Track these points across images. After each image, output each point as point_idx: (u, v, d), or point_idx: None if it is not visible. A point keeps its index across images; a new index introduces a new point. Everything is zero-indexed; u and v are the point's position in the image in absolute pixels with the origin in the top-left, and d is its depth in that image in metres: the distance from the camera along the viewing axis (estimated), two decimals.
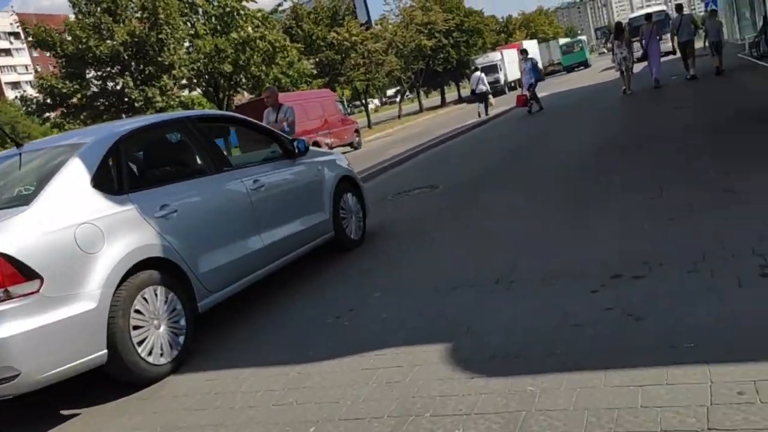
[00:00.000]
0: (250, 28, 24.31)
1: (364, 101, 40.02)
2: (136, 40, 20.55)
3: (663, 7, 48.03)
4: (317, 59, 33.47)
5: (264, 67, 25.04)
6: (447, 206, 7.61)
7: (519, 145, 12.14)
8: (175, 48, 21.18)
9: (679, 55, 18.35)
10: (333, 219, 6.07)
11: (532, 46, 58.22)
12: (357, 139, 27.29)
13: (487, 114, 23.97)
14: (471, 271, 4.73)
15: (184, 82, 22.75)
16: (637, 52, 20.54)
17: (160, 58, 20.83)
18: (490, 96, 25.68)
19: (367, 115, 39.42)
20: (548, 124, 15.22)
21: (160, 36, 20.75)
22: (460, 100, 49.89)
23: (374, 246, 6.35)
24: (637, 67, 20.40)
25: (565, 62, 62.00)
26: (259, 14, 24.65)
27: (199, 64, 22.11)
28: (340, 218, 6.19)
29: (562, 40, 70.21)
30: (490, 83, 26.45)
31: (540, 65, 59.19)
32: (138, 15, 21.69)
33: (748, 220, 4.43)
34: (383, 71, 38.71)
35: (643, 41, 17.98)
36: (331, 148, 24.96)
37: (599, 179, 7.07)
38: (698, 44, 18.28)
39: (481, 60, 45.44)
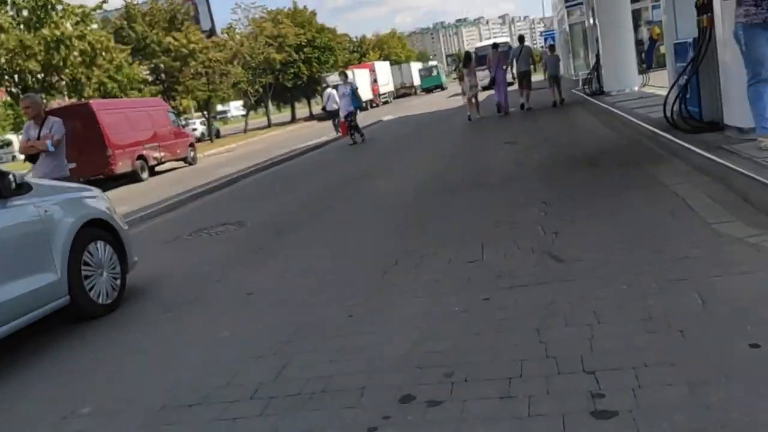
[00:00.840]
0: (68, 25, 21.54)
1: (206, 113, 37.62)
2: None
3: (507, 39, 50.36)
4: (152, 65, 30.85)
5: (84, 69, 22.37)
6: (241, 255, 6.26)
7: (341, 179, 11.00)
8: None
9: (516, 85, 18.84)
10: (69, 279, 4.52)
11: (384, 68, 58.82)
12: (192, 154, 25.19)
13: (337, 132, 23.91)
14: (227, 373, 3.41)
15: None
16: (483, 81, 20.72)
17: None
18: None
19: (209, 129, 37.10)
20: (379, 156, 14.23)
21: None
22: (311, 117, 48.83)
23: (127, 315, 4.85)
24: (483, 95, 20.69)
25: (424, 84, 65.96)
26: (79, 11, 21.87)
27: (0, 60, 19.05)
28: (81, 277, 4.64)
29: (418, 65, 72.37)
30: None
31: (391, 87, 60.27)
32: None
33: (574, 307, 3.50)
34: (227, 82, 36.73)
35: (491, 69, 18.34)
36: (160, 162, 22.82)
37: (412, 231, 6.06)
38: (536, 77, 19.00)
39: (333, 78, 44.75)
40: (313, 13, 51.07)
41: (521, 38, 19.77)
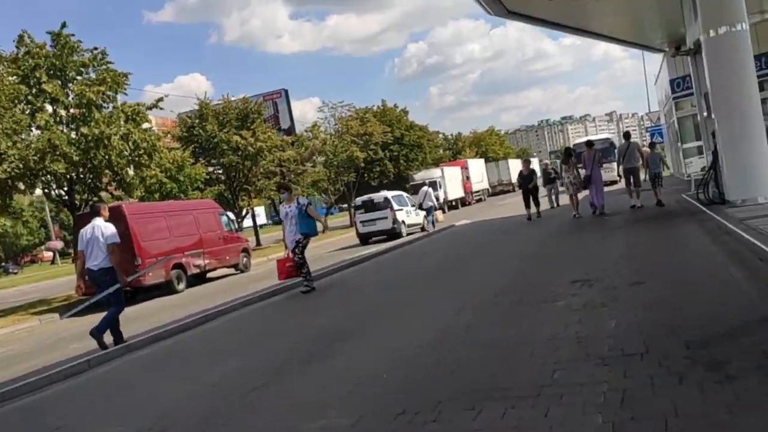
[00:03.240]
0: (122, 121, 20.20)
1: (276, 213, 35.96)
2: None
3: (608, 135, 46.26)
4: (220, 163, 29.43)
5: (132, 169, 20.84)
6: None
7: (310, 338, 7.37)
8: None
9: (623, 183, 18.08)
10: None
11: (478, 165, 56.05)
12: (245, 260, 22.83)
13: (434, 227, 23.74)
14: None
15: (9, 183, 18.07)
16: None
17: None
18: (437, 212, 25.19)
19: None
20: (388, 295, 10.05)
21: None
22: None
23: None
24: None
25: None
26: (129, 109, 20.54)
27: (29, 161, 17.58)
28: None
29: (516, 162, 70.23)
30: None
31: (485, 184, 57.19)
32: None
33: None
34: (304, 181, 35.03)
35: (585, 168, 17.24)
36: (205, 271, 20.49)
37: None
38: (643, 175, 17.48)
39: (422, 175, 42.52)
40: (404, 112, 49.71)
41: (626, 134, 18.08)
